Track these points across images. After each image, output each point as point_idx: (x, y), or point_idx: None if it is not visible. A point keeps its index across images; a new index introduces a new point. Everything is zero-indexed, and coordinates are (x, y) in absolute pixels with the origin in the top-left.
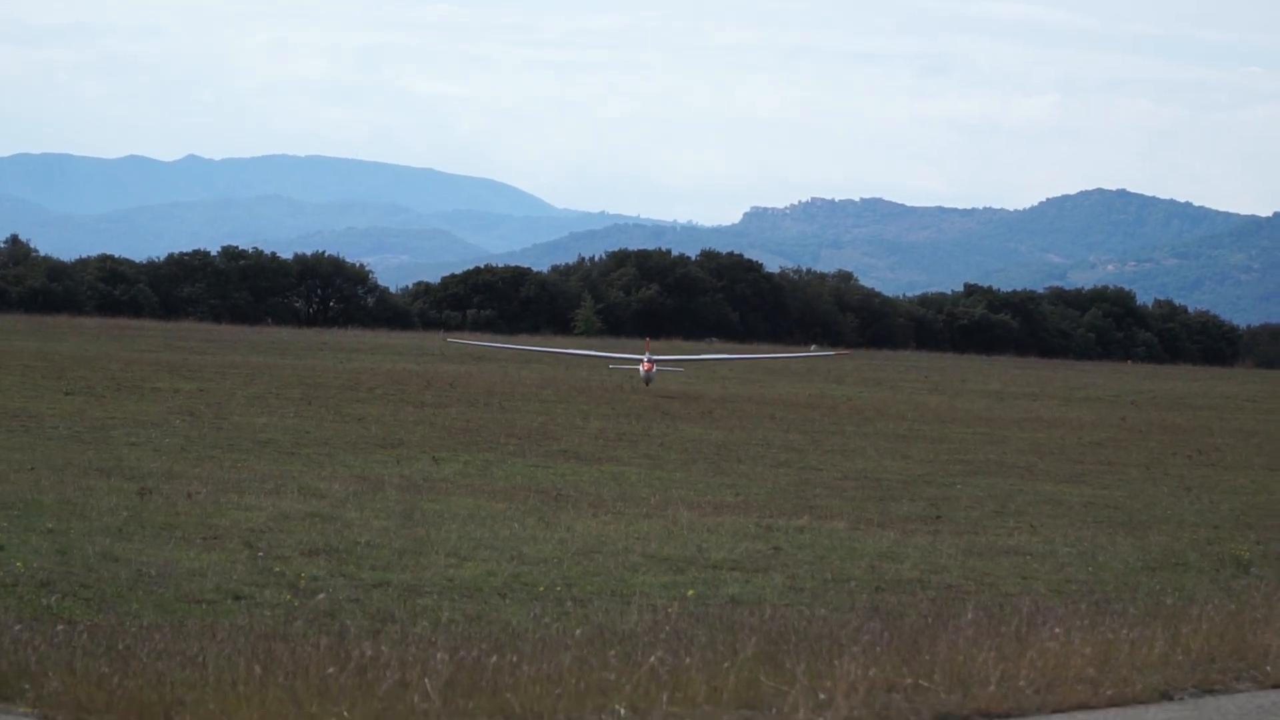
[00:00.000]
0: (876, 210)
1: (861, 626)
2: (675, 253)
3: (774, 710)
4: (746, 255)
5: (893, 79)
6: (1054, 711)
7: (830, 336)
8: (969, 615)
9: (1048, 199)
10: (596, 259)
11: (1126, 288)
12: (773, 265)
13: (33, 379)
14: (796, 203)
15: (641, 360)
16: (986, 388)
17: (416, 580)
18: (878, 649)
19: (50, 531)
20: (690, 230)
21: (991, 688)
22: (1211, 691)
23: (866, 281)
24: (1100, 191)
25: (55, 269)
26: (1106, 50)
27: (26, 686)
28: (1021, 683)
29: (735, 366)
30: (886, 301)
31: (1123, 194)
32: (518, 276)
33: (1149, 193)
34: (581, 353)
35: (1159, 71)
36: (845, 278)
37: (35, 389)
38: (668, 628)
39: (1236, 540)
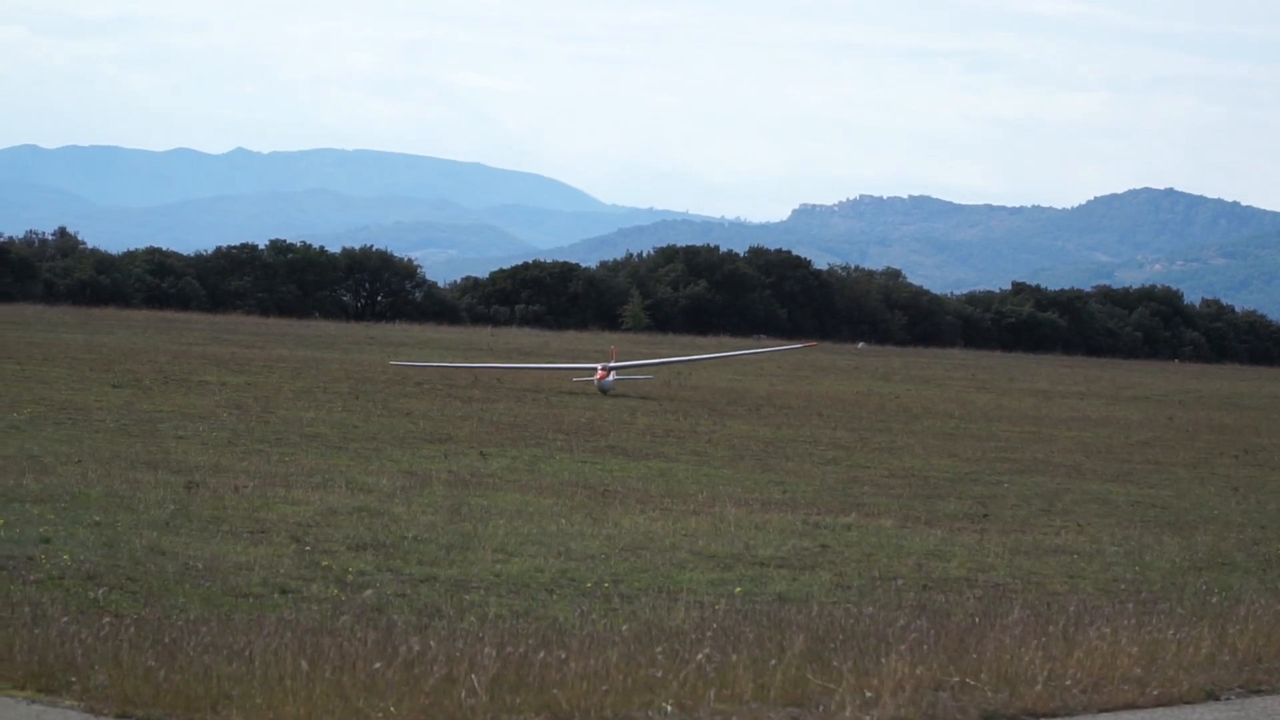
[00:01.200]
0: (924, 208)
1: (908, 624)
2: (723, 249)
3: (821, 708)
4: (795, 252)
5: (940, 76)
6: (1100, 711)
7: (878, 334)
8: (1016, 614)
9: (1095, 197)
10: (645, 255)
11: (1174, 287)
12: (821, 262)
13: (80, 371)
14: (845, 200)
15: (596, 370)
16: (1034, 386)
17: (464, 575)
18: (924, 647)
19: (97, 524)
20: (738, 226)
21: (1038, 687)
22: (1258, 692)
23: (914, 279)
24: (1148, 190)
25: (103, 261)
26: (1153, 48)
27: (73, 680)
28: (1068, 682)
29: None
30: (934, 299)
31: (1170, 193)
32: (566, 272)
33: (1196, 191)
34: (544, 367)
35: (1205, 69)
36: (893, 275)
37: (83, 381)
38: (715, 625)
39: None
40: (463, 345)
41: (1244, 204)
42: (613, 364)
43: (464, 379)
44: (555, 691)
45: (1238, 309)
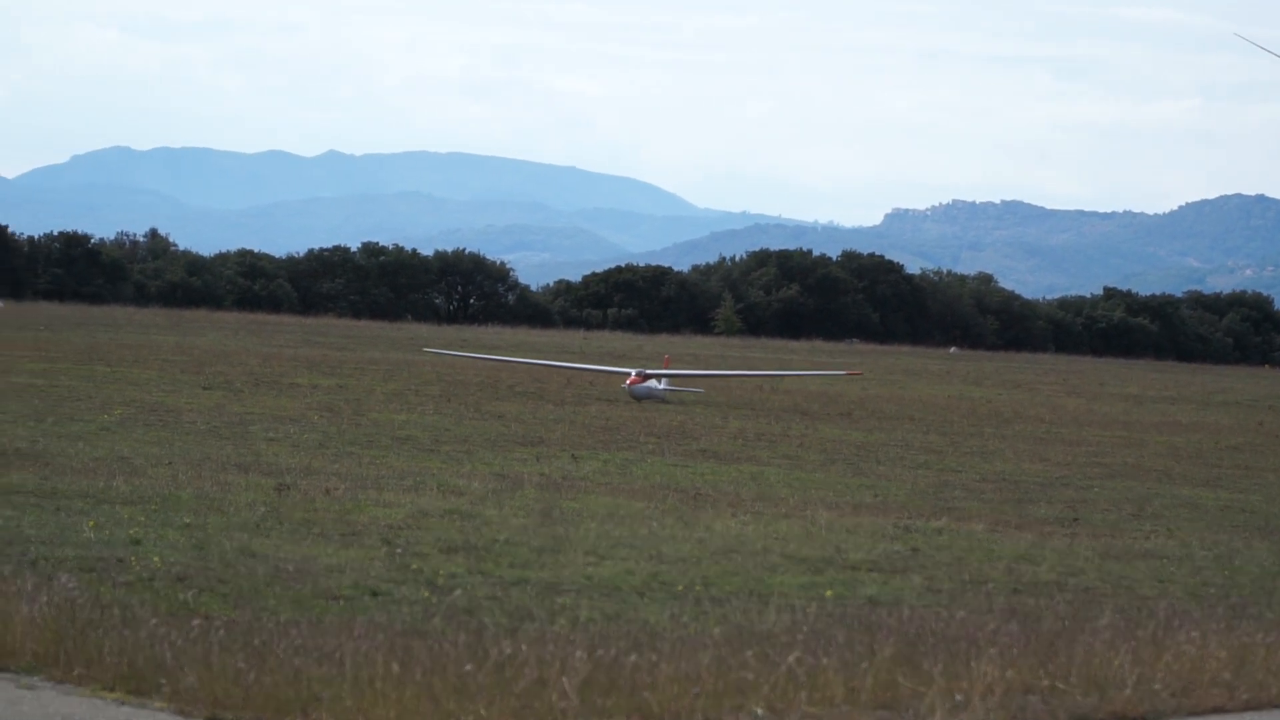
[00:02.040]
0: (1016, 213)
1: (999, 628)
2: (816, 253)
3: (911, 711)
4: (887, 256)
5: (1030, 82)
6: (1189, 715)
7: (970, 339)
8: (1106, 618)
9: (1186, 203)
10: (737, 259)
11: (1265, 293)
12: (913, 266)
13: (171, 373)
14: (937, 204)
15: (630, 374)
16: (1124, 391)
17: (555, 578)
18: (1014, 651)
19: (187, 526)
20: (831, 231)
21: (1128, 691)
22: None
23: (1005, 284)
24: (1239, 196)
25: (194, 263)
26: (1244, 53)
27: (163, 682)
28: (1157, 686)
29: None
30: (1026, 304)
31: (1261, 199)
32: (658, 276)
33: None
34: (567, 365)
35: None
36: (985, 280)
37: (174, 383)
38: (805, 628)
39: None
40: (555, 348)
41: None
42: (650, 371)
43: (557, 381)
44: (646, 694)
45: None
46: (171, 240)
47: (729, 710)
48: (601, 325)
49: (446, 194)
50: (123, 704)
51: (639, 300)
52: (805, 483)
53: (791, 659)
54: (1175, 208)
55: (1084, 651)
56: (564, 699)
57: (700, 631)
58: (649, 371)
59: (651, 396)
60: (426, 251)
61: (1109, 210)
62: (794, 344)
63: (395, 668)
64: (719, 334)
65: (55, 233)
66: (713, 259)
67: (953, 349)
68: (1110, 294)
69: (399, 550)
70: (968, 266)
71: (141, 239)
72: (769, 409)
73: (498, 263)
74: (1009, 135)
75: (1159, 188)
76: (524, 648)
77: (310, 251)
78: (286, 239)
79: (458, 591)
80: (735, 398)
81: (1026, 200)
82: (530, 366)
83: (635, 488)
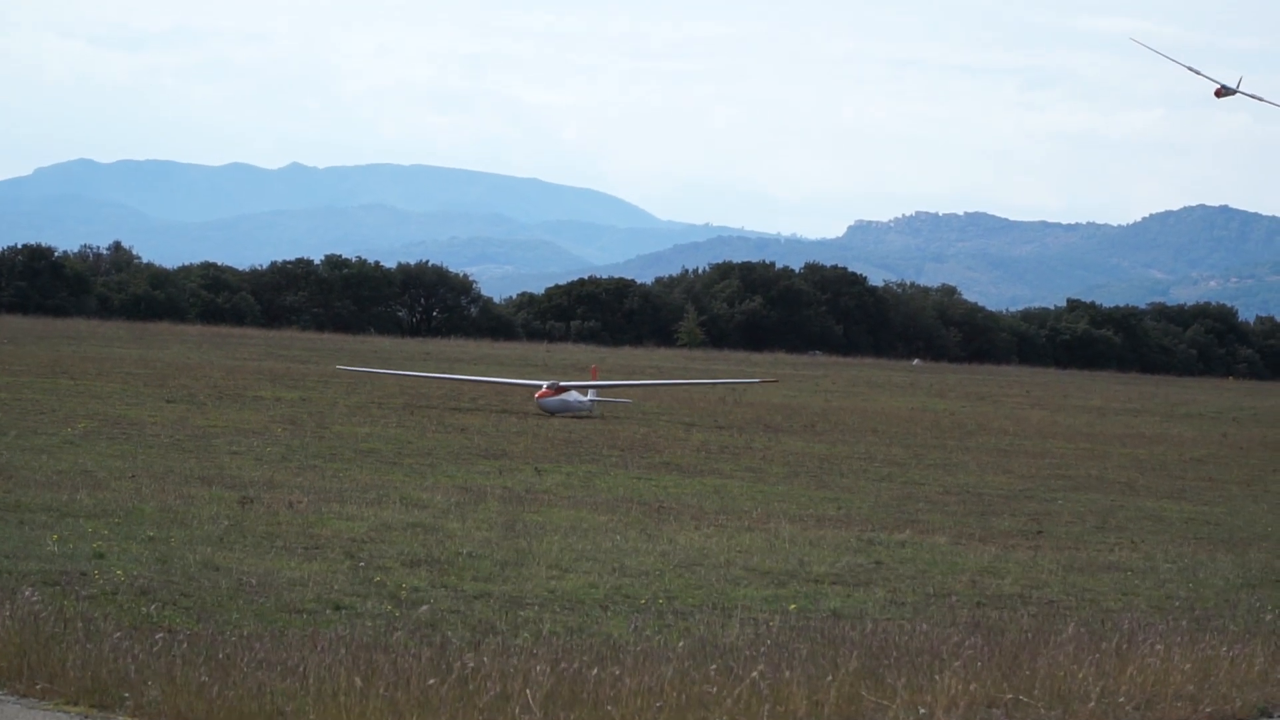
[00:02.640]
0: (980, 224)
1: (962, 641)
2: (779, 265)
3: None
4: (850, 268)
5: (998, 92)
6: None
7: (933, 351)
8: (1069, 631)
9: (1151, 214)
10: (700, 271)
11: (1229, 304)
12: (876, 279)
13: (134, 386)
14: (901, 216)
15: (540, 386)
16: (1088, 403)
17: (518, 592)
18: (978, 664)
19: (151, 539)
20: (794, 243)
21: (1091, 704)
22: None
23: (969, 295)
24: (1203, 207)
25: (158, 276)
26: (1210, 64)
27: (126, 695)
28: (1121, 699)
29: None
30: (989, 316)
31: (1225, 210)
32: (621, 288)
33: (1251, 209)
34: (481, 380)
35: (1261, 86)
36: (949, 292)
37: (137, 396)
38: (769, 641)
39: None
40: (518, 361)
41: None
42: (566, 384)
43: (520, 395)
44: (609, 708)
45: None
46: (135, 253)
47: None
48: (565, 338)
49: (410, 206)
50: (86, 718)
51: (602, 313)
52: (768, 495)
53: (755, 673)
54: (1139, 219)
55: (1048, 664)
56: (527, 712)
57: (663, 645)
58: (565, 384)
59: (568, 409)
60: (390, 264)
61: (1073, 222)
62: (756, 356)
63: (358, 681)
64: (682, 346)
65: (19, 245)
66: (676, 271)
67: (916, 361)
68: (1074, 306)
69: (362, 564)
70: (931, 278)
71: (105, 252)
72: (732, 422)
73: (461, 275)
74: (975, 145)
75: (1123, 199)
76: (487, 661)
77: (274, 264)
78: (250, 252)
79: (422, 606)
80: (698, 410)
81: (990, 212)
82: (446, 381)
83: (598, 501)
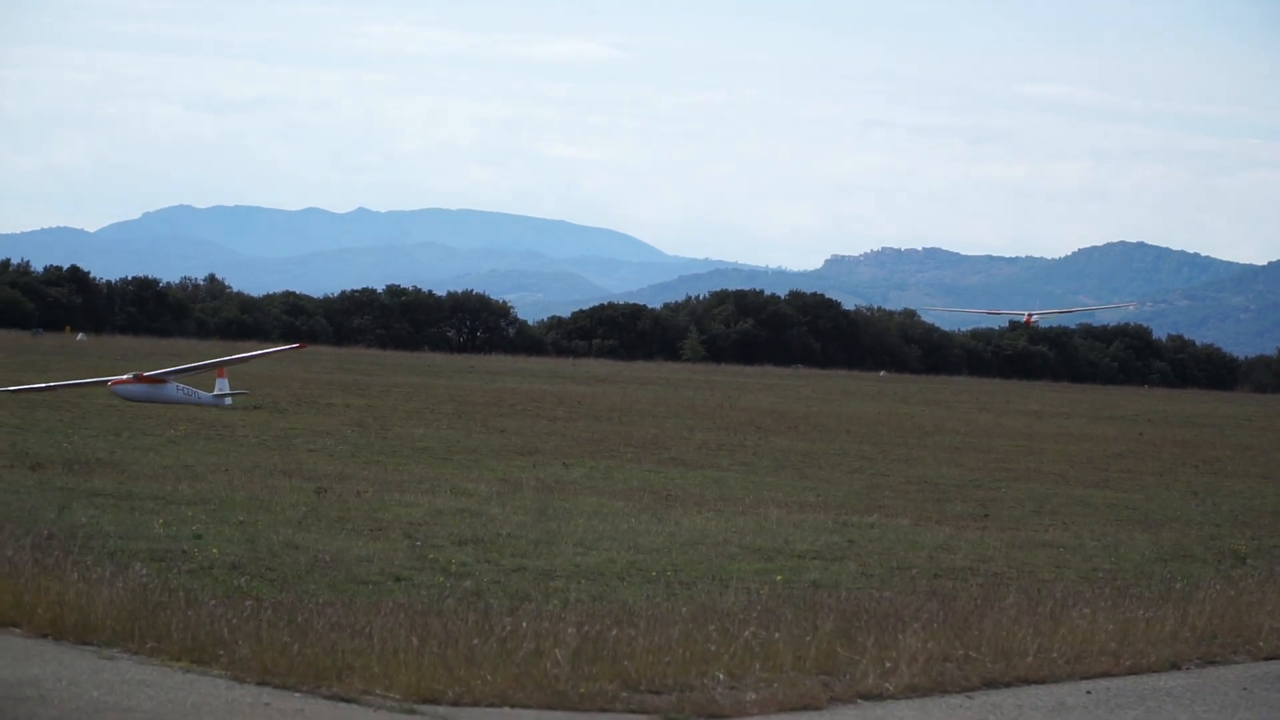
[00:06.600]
0: (936, 258)
1: (921, 607)
2: (767, 293)
3: (848, 676)
4: (827, 295)
5: (949, 147)
6: (1082, 678)
7: (897, 364)
8: (1011, 598)
9: (1079, 249)
10: (701, 297)
11: (1144, 325)
12: (849, 304)
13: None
14: (869, 251)
15: (123, 376)
16: (1027, 408)
17: (549, 566)
18: (935, 626)
19: (241, 523)
20: (780, 274)
21: (1030, 658)
22: (1213, 663)
23: (927, 318)
24: (1123, 243)
25: (246, 303)
26: (1130, 124)
27: (220, 652)
28: (1055, 654)
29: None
30: (944, 335)
31: (1141, 245)
32: (635, 312)
33: (1163, 244)
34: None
35: (1173, 141)
36: (910, 315)
37: (232, 404)
38: (759, 607)
39: (1235, 537)
40: (547, 374)
41: (1203, 255)
42: (152, 373)
43: (550, 401)
44: (626, 663)
45: (1198, 343)
46: (227, 284)
47: (695, 676)
48: (587, 354)
49: (457, 244)
50: (187, 672)
51: (619, 333)
52: (759, 485)
53: (748, 633)
54: (1070, 253)
55: (993, 626)
56: (556, 667)
57: (671, 610)
58: (150, 374)
59: (154, 399)
60: (440, 292)
61: (1013, 255)
62: (748, 369)
63: (415, 641)
64: (686, 361)
65: (129, 278)
66: (681, 298)
67: (882, 373)
68: (1015, 326)
69: (418, 543)
70: (895, 304)
71: (201, 283)
72: (729, 424)
73: (500, 302)
74: (931, 192)
75: (1056, 236)
76: (523, 624)
77: (343, 293)
78: (323, 282)
79: (468, 579)
80: (699, 415)
81: (944, 247)
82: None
83: (616, 490)
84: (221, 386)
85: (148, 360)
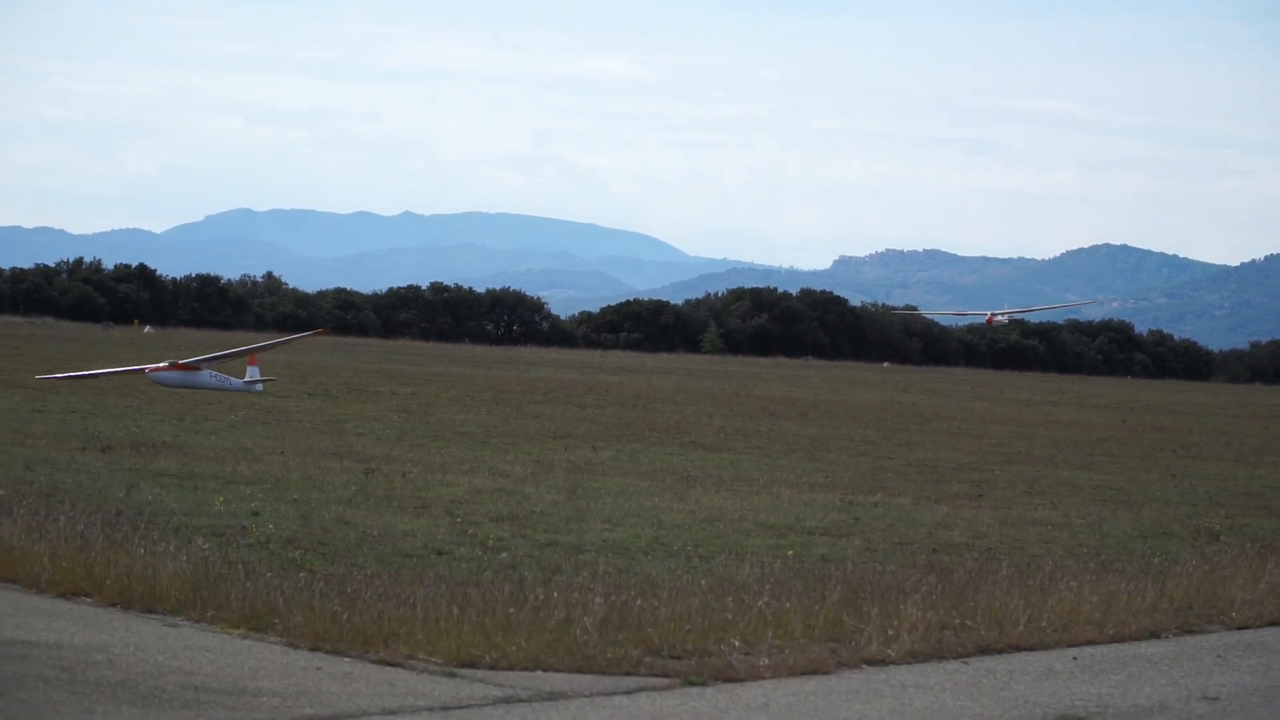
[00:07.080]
0: (936, 259)
1: (921, 579)
2: (780, 290)
3: (854, 642)
4: (835, 293)
5: (948, 157)
6: (1069, 646)
7: (899, 357)
8: (1004, 571)
9: (1067, 250)
10: (720, 295)
11: (1127, 320)
12: (855, 301)
13: (282, 383)
14: (874, 252)
15: (161, 364)
16: (1018, 397)
17: (579, 541)
18: (934, 597)
19: (295, 501)
20: (792, 273)
21: (1020, 627)
22: (1190, 632)
23: (927, 314)
24: (1108, 245)
25: (301, 299)
26: (1114, 136)
27: (276, 620)
28: (1044, 623)
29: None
30: (942, 330)
31: (1124, 247)
32: (659, 308)
33: (1145, 246)
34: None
35: (1156, 152)
36: (911, 311)
37: (284, 391)
38: (772, 579)
39: (1210, 516)
40: (578, 364)
41: (1182, 256)
42: (187, 361)
43: (580, 389)
44: (649, 630)
45: (1176, 338)
46: (283, 281)
47: (713, 642)
48: (614, 346)
49: (496, 245)
50: (245, 638)
51: (644, 327)
52: (772, 467)
53: (761, 603)
54: (1058, 254)
55: (987, 597)
56: (585, 634)
57: (690, 582)
58: (185, 361)
59: (189, 385)
60: (480, 289)
61: (1007, 256)
62: (763, 360)
63: (455, 610)
64: (705, 353)
65: (193, 275)
66: (701, 295)
67: (885, 364)
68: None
69: (459, 519)
70: (898, 301)
71: (260, 280)
72: (745, 411)
73: (535, 298)
74: (932, 198)
75: (1045, 239)
76: (555, 594)
77: (390, 290)
78: (372, 280)
79: (505, 553)
80: (718, 403)
81: (944, 249)
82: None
83: (641, 471)
84: (252, 374)
85: (209, 352)
